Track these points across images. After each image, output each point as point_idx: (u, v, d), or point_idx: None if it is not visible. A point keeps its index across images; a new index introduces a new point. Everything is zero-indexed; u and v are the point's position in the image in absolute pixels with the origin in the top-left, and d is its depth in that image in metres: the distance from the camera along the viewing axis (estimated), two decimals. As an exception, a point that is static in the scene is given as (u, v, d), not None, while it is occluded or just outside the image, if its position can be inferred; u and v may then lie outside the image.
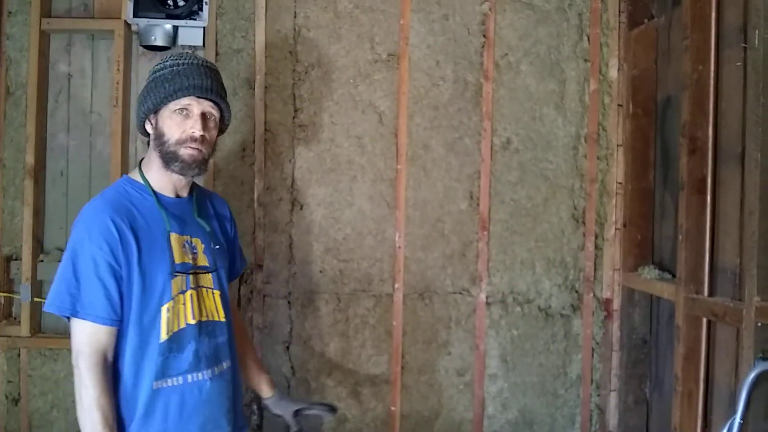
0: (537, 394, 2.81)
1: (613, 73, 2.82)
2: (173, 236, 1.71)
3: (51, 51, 2.76)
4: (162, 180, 1.75)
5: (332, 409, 2.10)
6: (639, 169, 2.70)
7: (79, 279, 1.61)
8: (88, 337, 1.60)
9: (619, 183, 2.78)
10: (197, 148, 1.72)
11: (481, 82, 2.80)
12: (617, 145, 2.80)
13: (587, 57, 2.82)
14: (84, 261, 1.61)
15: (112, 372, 1.64)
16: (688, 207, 2.16)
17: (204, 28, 2.71)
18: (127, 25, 2.68)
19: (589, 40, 2.81)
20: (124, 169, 2.71)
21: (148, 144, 1.78)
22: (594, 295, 2.81)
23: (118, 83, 2.67)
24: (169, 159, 1.71)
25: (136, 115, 1.77)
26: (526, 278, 2.81)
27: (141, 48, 2.74)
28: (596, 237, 2.81)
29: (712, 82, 2.12)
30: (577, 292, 2.81)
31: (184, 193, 1.80)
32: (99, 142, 2.78)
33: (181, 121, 1.70)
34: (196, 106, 1.71)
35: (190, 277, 1.72)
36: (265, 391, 2.06)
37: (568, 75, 2.82)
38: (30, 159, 2.68)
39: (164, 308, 1.66)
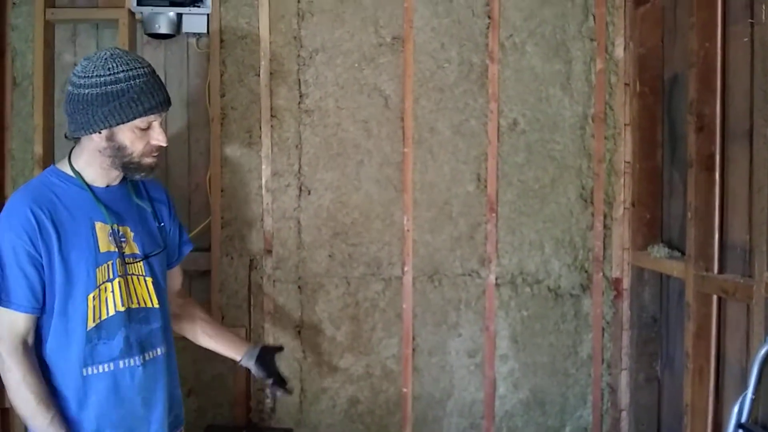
0: (548, 373, 2.83)
1: (619, 52, 2.80)
2: (98, 225, 1.71)
3: (56, 41, 2.76)
4: (97, 173, 1.74)
5: (286, 389, 2.14)
6: (647, 147, 2.69)
7: (1, 268, 1.62)
8: (8, 324, 1.62)
9: (627, 162, 2.78)
10: (157, 155, 1.75)
11: (487, 64, 2.79)
12: (624, 125, 2.79)
13: (593, 36, 2.80)
14: (5, 251, 1.62)
15: (35, 353, 1.66)
16: (697, 185, 2.15)
17: (208, 15, 2.70)
18: (131, 14, 2.67)
19: (594, 19, 2.79)
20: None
21: (72, 140, 1.76)
22: (603, 274, 2.81)
23: (123, 72, 2.67)
24: (131, 169, 1.73)
25: (82, 126, 1.67)
26: (535, 259, 2.81)
27: (146, 36, 2.73)
28: (605, 216, 2.81)
29: (719, 58, 2.11)
30: (586, 271, 2.82)
31: (116, 182, 1.79)
32: (106, 131, 2.78)
33: (143, 134, 1.69)
34: (159, 118, 1.72)
35: (117, 265, 1.72)
36: (236, 355, 2.08)
37: (574, 55, 2.81)
38: (39, 149, 2.68)
39: (90, 296, 1.67)
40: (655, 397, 2.68)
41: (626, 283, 2.79)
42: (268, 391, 2.69)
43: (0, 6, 2.68)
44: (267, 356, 2.09)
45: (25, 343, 1.64)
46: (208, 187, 2.76)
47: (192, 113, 2.80)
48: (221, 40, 2.74)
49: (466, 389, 2.82)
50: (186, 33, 2.73)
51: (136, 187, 1.86)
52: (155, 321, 1.80)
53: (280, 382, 2.12)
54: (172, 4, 2.65)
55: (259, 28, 2.74)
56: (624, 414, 2.80)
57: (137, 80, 1.65)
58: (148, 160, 1.73)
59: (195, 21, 2.71)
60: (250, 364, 2.07)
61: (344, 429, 2.80)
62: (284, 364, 2.76)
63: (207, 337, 2.07)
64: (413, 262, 2.79)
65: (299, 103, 2.77)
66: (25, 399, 1.61)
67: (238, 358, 2.08)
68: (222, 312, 2.74)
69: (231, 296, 2.75)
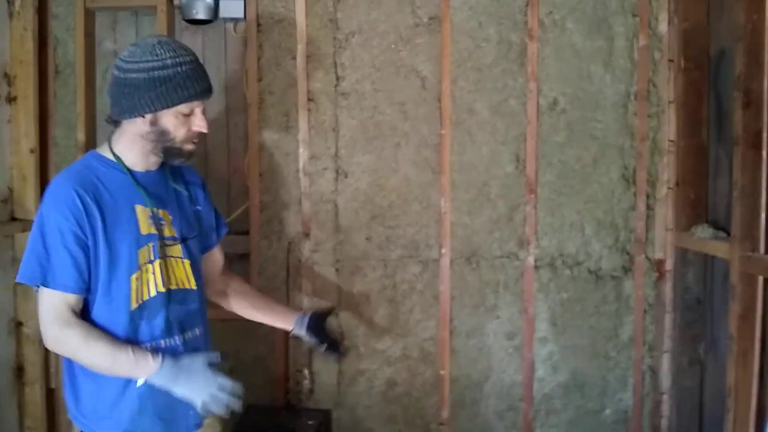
0: (588, 356, 2.79)
1: (662, 27, 2.72)
2: (139, 208, 1.75)
3: (97, 29, 2.81)
4: (137, 158, 1.79)
5: (340, 353, 2.17)
6: (691, 125, 2.62)
7: (47, 250, 1.66)
8: (57, 306, 1.66)
9: (671, 140, 2.70)
10: (197, 142, 1.80)
11: (526, 42, 2.73)
12: (668, 102, 2.71)
13: (635, 12, 2.72)
14: (51, 232, 1.65)
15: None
16: (744, 163, 2.09)
17: (244, -1, 2.73)
18: (170, 0, 2.70)
19: (637, -7, 2.72)
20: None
21: (113, 124, 1.80)
22: (646, 255, 2.75)
23: (162, 58, 2.70)
24: (171, 154, 1.77)
25: (126, 109, 1.71)
26: (575, 240, 2.77)
27: (184, 22, 2.76)
28: (648, 197, 2.74)
29: (767, 32, 2.03)
30: (628, 253, 2.76)
31: (154, 167, 1.83)
32: (147, 117, 2.83)
33: (185, 120, 1.74)
34: (202, 105, 1.77)
35: (157, 247, 1.76)
36: (287, 325, 2.12)
37: (616, 31, 2.73)
38: (81, 136, 2.75)
39: (132, 278, 1.71)
40: (698, 380, 2.62)
41: (669, 265, 2.72)
42: (306, 372, 2.71)
43: (42, -4, 2.74)
44: (318, 322, 2.11)
45: (74, 313, 1.68)
46: (247, 171, 2.79)
47: (230, 98, 2.83)
48: (258, 25, 2.75)
49: (504, 371, 2.81)
50: (223, 18, 2.75)
51: (173, 172, 1.90)
52: (193, 302, 1.85)
53: (333, 346, 2.13)
54: (209, -10, 2.67)
55: (295, 11, 2.74)
56: (665, 397, 2.75)
57: (183, 67, 1.70)
58: (189, 146, 1.78)
59: (232, 6, 2.73)
60: (302, 332, 2.09)
61: (382, 410, 2.82)
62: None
63: (256, 311, 2.11)
64: (451, 244, 2.77)
65: (336, 86, 2.77)
66: (99, 351, 1.66)
67: (289, 328, 2.10)
68: (262, 294, 2.77)
69: (270, 278, 2.78)
